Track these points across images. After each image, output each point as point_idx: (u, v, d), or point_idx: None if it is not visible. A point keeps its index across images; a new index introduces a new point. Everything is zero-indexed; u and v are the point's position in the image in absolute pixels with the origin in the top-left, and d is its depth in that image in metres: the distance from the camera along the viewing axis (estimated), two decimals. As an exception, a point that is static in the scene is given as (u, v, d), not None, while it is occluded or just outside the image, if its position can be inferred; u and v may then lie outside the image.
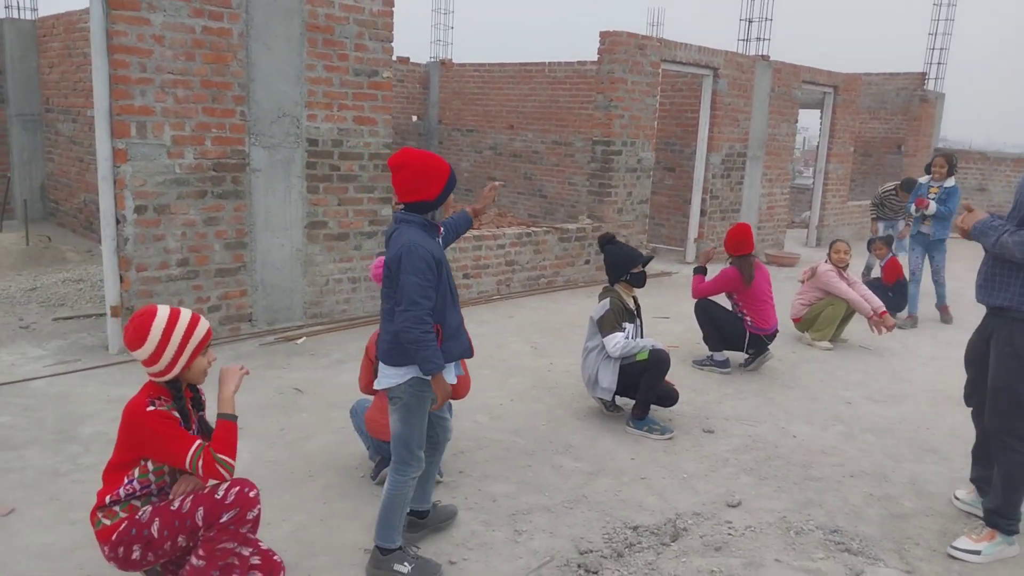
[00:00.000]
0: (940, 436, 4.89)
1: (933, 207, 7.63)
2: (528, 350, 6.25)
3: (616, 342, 4.56)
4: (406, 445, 3.04)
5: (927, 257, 7.93)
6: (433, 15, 17.67)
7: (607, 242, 4.88)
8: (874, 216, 9.69)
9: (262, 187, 6.00)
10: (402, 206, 3.00)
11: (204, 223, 5.75)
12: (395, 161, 2.96)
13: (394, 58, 14.26)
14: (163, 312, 2.68)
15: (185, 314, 2.72)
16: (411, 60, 14.90)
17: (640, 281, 4.82)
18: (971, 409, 3.79)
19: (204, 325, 2.73)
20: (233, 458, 2.66)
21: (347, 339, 6.18)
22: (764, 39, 11.97)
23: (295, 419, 4.61)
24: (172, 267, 5.65)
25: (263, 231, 6.06)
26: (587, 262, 8.87)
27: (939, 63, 16.62)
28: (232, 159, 5.80)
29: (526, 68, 13.31)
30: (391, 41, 6.53)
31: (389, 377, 3.00)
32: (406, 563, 3.07)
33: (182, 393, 2.74)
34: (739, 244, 5.91)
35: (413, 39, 18.56)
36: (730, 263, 5.98)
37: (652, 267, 8.30)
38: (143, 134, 5.35)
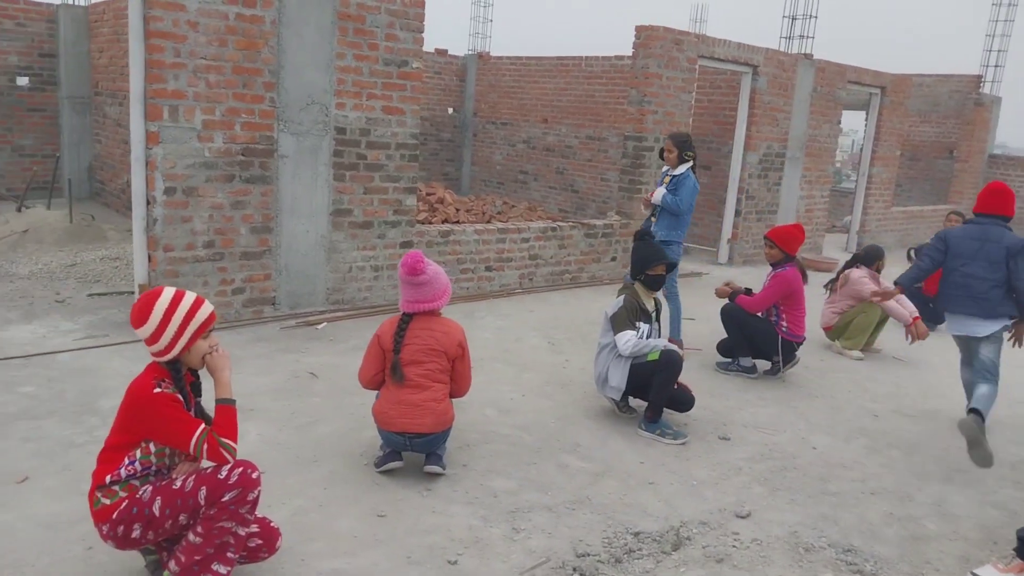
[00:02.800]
0: (967, 454, 4.70)
1: (659, 194, 6.00)
2: (545, 345, 6.19)
3: (627, 340, 4.46)
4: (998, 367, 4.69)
5: None
6: (472, 7, 17.60)
7: (638, 238, 4.81)
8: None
9: (289, 173, 6.04)
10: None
11: (231, 206, 5.82)
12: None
13: (432, 50, 14.36)
14: (167, 293, 2.73)
15: (188, 296, 2.75)
16: (449, 52, 14.88)
17: (654, 284, 4.72)
18: None
19: (207, 309, 2.76)
20: (235, 441, 2.71)
21: (366, 326, 6.18)
22: (808, 37, 11.62)
23: (307, 403, 4.64)
24: (198, 248, 5.72)
25: (289, 216, 6.11)
26: (614, 259, 8.76)
27: (996, 65, 16.02)
28: (260, 144, 5.85)
29: (562, 62, 13.18)
30: (422, 32, 6.51)
31: (994, 323, 4.64)
32: None
33: (183, 376, 2.77)
34: (796, 244, 5.76)
35: (452, 31, 18.55)
36: (788, 264, 5.72)
37: (683, 267, 8.15)
38: (175, 117, 5.43)
